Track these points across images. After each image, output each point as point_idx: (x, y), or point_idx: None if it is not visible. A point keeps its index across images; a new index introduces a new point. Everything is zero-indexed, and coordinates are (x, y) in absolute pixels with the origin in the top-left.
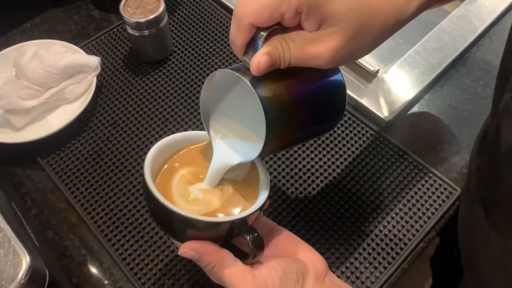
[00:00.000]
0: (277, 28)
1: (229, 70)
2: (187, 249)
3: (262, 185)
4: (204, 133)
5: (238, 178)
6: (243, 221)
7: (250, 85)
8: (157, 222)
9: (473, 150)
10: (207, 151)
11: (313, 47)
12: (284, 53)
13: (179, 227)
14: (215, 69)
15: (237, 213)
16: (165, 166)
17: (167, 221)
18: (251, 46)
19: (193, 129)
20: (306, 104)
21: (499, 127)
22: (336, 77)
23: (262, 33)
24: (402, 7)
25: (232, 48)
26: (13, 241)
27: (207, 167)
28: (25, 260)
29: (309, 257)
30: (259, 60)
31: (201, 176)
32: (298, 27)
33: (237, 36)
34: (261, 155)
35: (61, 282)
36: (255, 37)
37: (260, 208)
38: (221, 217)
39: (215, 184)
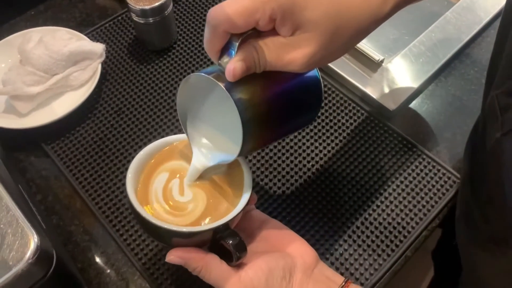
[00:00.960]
0: (251, 32)
1: (204, 74)
2: (173, 256)
3: (246, 185)
4: (182, 135)
5: (221, 175)
6: (225, 225)
7: (225, 89)
8: (144, 231)
9: (467, 142)
10: (187, 148)
11: (287, 53)
12: (259, 59)
13: (164, 236)
14: None
15: (221, 213)
16: (146, 170)
17: (153, 232)
18: (225, 50)
19: None
20: (282, 103)
21: (485, 123)
22: (311, 73)
23: (236, 38)
24: (377, 8)
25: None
26: (21, 221)
27: (188, 162)
28: (33, 240)
29: (298, 250)
30: (234, 67)
31: (181, 173)
32: (273, 30)
33: (211, 43)
34: (240, 155)
35: (68, 264)
36: (229, 42)
37: (242, 210)
38: (202, 226)
39: (194, 180)
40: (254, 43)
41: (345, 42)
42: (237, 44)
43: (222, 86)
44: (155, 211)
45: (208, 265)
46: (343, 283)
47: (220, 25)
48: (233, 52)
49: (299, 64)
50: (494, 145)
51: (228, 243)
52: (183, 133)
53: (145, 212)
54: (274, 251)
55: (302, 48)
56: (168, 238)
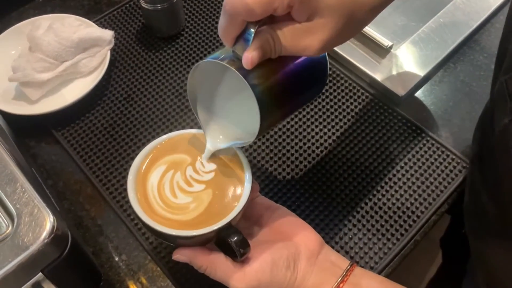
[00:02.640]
0: (266, 18)
1: (218, 61)
2: (179, 255)
3: (246, 180)
4: (173, 133)
5: (221, 169)
6: (227, 225)
7: (242, 76)
8: (151, 234)
9: (476, 127)
10: (186, 140)
11: (303, 39)
12: (275, 46)
13: (169, 239)
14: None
15: (222, 209)
16: (143, 169)
17: (158, 235)
18: (241, 37)
19: None
20: (294, 83)
21: (493, 108)
22: None
23: (252, 26)
24: None
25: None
26: (37, 202)
27: (191, 152)
28: (49, 220)
29: (302, 237)
30: (252, 55)
31: (182, 168)
32: (287, 15)
33: (228, 31)
34: (257, 138)
35: (82, 245)
36: (245, 29)
37: (244, 207)
38: (204, 229)
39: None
40: (269, 30)
41: (358, 25)
42: (254, 31)
43: (239, 74)
44: (157, 211)
45: (213, 264)
46: (348, 267)
47: (239, 14)
48: (250, 40)
49: (314, 50)
50: (502, 130)
51: (231, 241)
52: (188, 119)
53: (147, 218)
54: (278, 240)
55: (317, 34)
56: (173, 240)
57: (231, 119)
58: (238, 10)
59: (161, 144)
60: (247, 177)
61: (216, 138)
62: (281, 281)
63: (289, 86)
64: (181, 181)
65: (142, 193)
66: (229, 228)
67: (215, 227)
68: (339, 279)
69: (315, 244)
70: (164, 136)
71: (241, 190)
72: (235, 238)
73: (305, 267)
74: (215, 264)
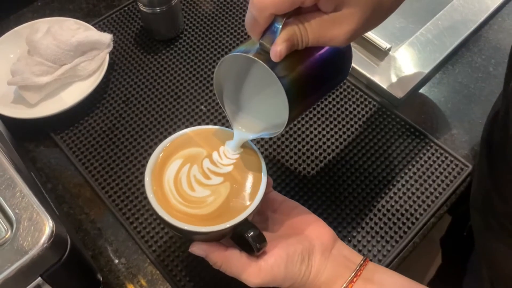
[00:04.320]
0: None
1: (246, 55)
2: (195, 248)
3: (262, 175)
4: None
5: (237, 166)
6: (244, 220)
7: (270, 69)
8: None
9: (485, 127)
10: (204, 134)
11: (330, 30)
12: (302, 37)
13: (185, 234)
14: (225, 47)
15: (239, 204)
16: (160, 161)
17: (174, 230)
18: (268, 30)
19: (203, 105)
20: (321, 74)
21: (508, 107)
22: None
23: (280, 19)
24: None
25: (246, 30)
26: (36, 207)
27: (208, 146)
28: (48, 225)
29: (316, 231)
30: (280, 48)
31: (198, 162)
32: (313, 6)
33: (256, 25)
34: (285, 128)
35: (81, 250)
36: (272, 22)
37: (260, 203)
38: (221, 225)
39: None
40: (296, 22)
41: (384, 13)
42: (281, 24)
43: (267, 66)
44: (174, 205)
45: (228, 260)
46: (361, 262)
47: (267, 9)
48: (277, 33)
49: (341, 40)
50: None
51: (248, 236)
52: (187, 121)
53: (165, 213)
54: (292, 234)
55: (344, 24)
56: (189, 236)
57: (258, 111)
58: (267, 4)
59: (176, 139)
60: (264, 171)
61: (244, 129)
62: (295, 275)
63: (315, 77)
64: (198, 174)
65: (159, 187)
66: (245, 223)
67: (232, 222)
68: (353, 274)
69: (329, 239)
70: (180, 132)
71: (258, 184)
72: (252, 233)
73: (319, 261)
74: (231, 260)
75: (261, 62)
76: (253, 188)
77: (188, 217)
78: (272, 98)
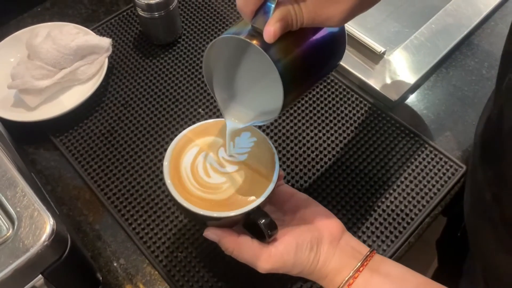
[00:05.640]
0: None
1: (237, 36)
2: (209, 232)
3: (275, 166)
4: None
5: (251, 156)
6: (257, 208)
7: (264, 51)
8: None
9: (477, 128)
10: (219, 125)
11: (325, 10)
12: (297, 17)
13: (200, 219)
14: None
15: (252, 192)
16: (177, 148)
17: (189, 215)
18: (261, 10)
19: (201, 108)
20: (315, 56)
21: (502, 106)
22: None
23: None
24: None
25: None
26: (37, 205)
27: (223, 136)
28: (49, 223)
29: (325, 222)
30: (274, 29)
31: (214, 150)
32: None
33: (247, 4)
34: (278, 115)
35: (81, 249)
36: (265, 2)
37: (272, 192)
38: (235, 211)
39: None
40: (291, 1)
41: None
42: (274, 3)
43: (260, 48)
44: (190, 190)
45: (240, 246)
46: (368, 253)
47: None
48: (271, 12)
49: (336, 20)
50: None
51: (260, 223)
52: (185, 124)
53: (182, 199)
54: (302, 224)
55: (341, 4)
56: (203, 221)
57: (251, 98)
58: None
59: (193, 129)
60: (276, 163)
61: (236, 117)
62: (304, 262)
63: (310, 60)
64: (214, 162)
65: (176, 172)
66: (258, 210)
67: (245, 209)
68: (359, 263)
69: (337, 230)
70: (197, 124)
71: (271, 174)
72: (264, 220)
73: (327, 250)
74: (243, 247)
75: (254, 44)
76: (266, 178)
77: (203, 202)
78: (265, 83)
